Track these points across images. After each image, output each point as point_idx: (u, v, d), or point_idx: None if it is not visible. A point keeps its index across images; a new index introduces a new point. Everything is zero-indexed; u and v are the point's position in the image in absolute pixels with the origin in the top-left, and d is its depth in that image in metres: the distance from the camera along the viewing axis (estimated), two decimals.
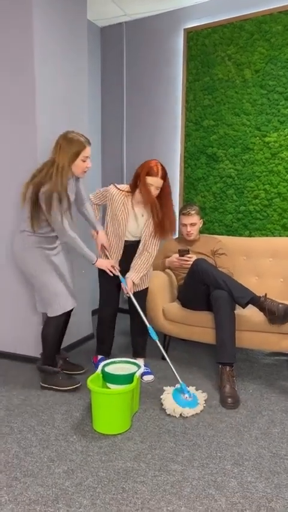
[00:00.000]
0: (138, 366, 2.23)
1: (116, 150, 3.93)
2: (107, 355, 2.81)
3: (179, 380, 2.28)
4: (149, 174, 2.38)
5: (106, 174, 4.03)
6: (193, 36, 3.40)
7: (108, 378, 2.15)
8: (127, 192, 2.51)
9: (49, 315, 2.41)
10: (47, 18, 2.58)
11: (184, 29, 3.42)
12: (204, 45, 3.36)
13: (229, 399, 2.26)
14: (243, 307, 2.48)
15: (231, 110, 3.32)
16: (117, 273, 2.52)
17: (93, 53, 3.79)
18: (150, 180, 2.38)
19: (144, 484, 1.63)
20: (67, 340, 3.01)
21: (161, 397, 2.26)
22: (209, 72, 3.37)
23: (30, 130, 2.59)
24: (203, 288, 2.58)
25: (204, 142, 3.47)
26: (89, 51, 3.71)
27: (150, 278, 2.78)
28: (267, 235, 3.30)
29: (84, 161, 2.29)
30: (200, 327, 2.69)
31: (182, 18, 3.45)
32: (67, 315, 2.53)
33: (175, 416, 2.14)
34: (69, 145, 2.22)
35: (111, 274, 2.51)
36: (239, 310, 2.57)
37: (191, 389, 2.34)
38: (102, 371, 2.18)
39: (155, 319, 2.84)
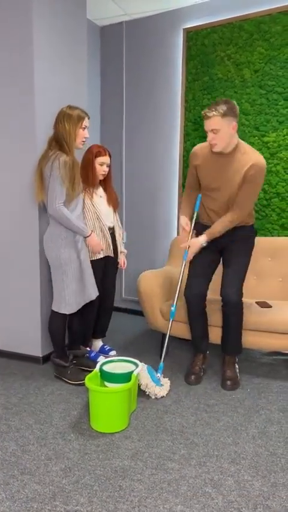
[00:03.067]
0: (136, 365, 2.24)
1: (115, 149, 3.93)
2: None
3: (162, 359, 2.49)
4: (98, 155, 2.62)
5: None
6: (193, 36, 3.40)
7: (106, 376, 2.16)
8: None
9: (52, 308, 2.50)
10: (47, 16, 2.58)
11: (184, 29, 3.42)
12: (203, 45, 3.37)
13: (228, 381, 2.41)
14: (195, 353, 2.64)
15: None
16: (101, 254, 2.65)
17: (93, 52, 3.79)
18: (101, 159, 2.63)
19: (141, 482, 1.63)
20: None
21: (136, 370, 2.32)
22: (208, 71, 3.38)
23: (29, 130, 2.59)
24: None
25: (203, 142, 3.46)
26: (88, 50, 3.71)
27: (145, 279, 2.86)
28: (265, 235, 3.31)
29: (83, 130, 2.41)
30: None
31: (181, 17, 3.45)
32: (84, 310, 2.63)
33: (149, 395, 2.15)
34: (71, 113, 2.36)
35: (100, 254, 2.64)
36: None
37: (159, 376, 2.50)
38: (100, 369, 2.18)
39: (153, 319, 2.84)
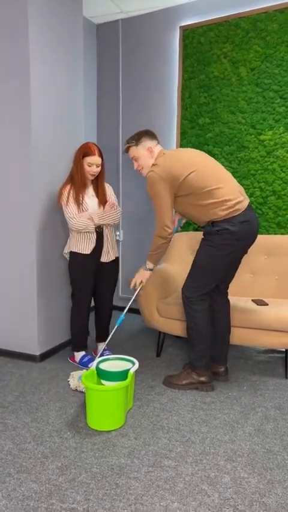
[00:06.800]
0: (133, 363, 2.24)
1: (111, 147, 3.92)
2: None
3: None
4: (86, 154, 2.52)
5: None
6: (189, 34, 3.40)
7: (102, 374, 2.16)
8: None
9: None
10: (43, 14, 2.57)
11: (180, 27, 3.42)
12: (200, 43, 3.36)
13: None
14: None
15: (227, 108, 3.32)
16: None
17: (89, 50, 3.78)
18: (89, 159, 2.53)
19: (138, 480, 1.63)
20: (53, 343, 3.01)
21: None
22: (204, 70, 3.37)
23: (24, 130, 2.58)
24: None
25: (200, 140, 3.47)
26: (84, 48, 3.70)
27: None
28: (262, 233, 3.31)
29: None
30: None
31: (177, 15, 3.45)
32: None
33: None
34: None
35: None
36: (235, 306, 2.58)
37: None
38: (97, 368, 2.18)
39: (149, 317, 2.84)
